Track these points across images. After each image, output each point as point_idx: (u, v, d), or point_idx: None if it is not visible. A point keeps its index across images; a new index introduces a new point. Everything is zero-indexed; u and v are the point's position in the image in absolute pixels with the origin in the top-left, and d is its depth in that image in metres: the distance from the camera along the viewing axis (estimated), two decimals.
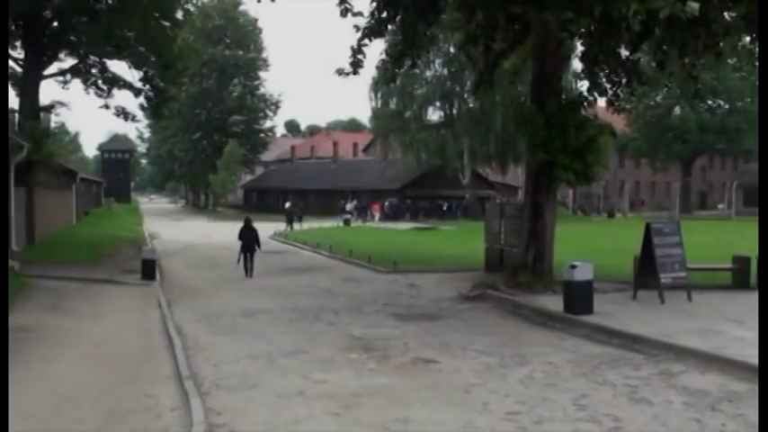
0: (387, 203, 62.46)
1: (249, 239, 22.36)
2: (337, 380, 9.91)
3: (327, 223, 49.68)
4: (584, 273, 14.45)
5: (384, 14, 16.25)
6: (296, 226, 47.16)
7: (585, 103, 18.42)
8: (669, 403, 8.82)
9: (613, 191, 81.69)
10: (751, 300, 16.20)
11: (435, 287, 19.48)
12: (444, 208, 63.37)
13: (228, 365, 10.85)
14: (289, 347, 12.03)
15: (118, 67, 54.71)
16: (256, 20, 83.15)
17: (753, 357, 10.53)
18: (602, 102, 20.03)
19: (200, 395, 9.00)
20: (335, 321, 14.58)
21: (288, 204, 55.90)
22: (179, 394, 9.18)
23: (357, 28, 16.11)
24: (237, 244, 22.78)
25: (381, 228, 48.32)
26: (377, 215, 60.03)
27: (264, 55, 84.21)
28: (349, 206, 60.35)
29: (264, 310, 15.98)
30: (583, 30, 17.97)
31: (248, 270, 22.06)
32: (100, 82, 31.46)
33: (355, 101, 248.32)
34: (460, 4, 17.06)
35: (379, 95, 61.88)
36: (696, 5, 11.68)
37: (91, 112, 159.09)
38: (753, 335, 12.29)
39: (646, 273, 16.22)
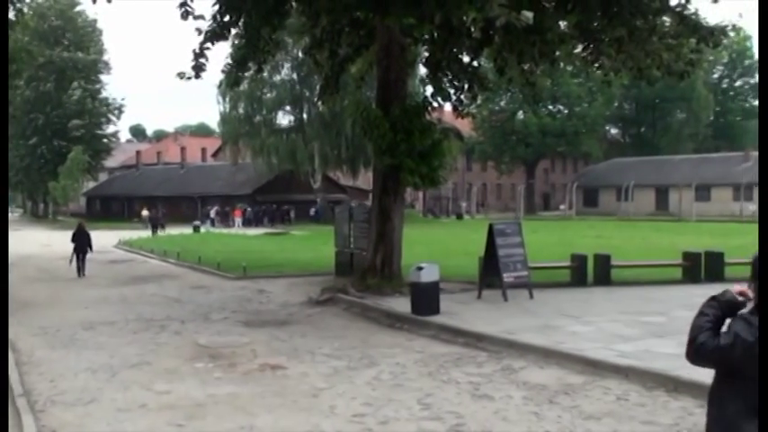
0: (248, 209, 62.14)
1: (82, 242, 24.12)
2: (182, 390, 9.65)
3: (176, 230, 48.68)
4: (430, 274, 14.73)
5: (227, 18, 15.98)
6: (159, 232, 48.13)
7: (431, 108, 18.80)
8: (510, 398, 9.10)
9: (462, 193, 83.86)
10: (587, 296, 17.07)
11: (285, 292, 19.37)
12: (311, 213, 63.31)
13: (66, 380, 10.36)
14: (132, 359, 11.62)
15: None
16: (95, 21, 79.94)
17: (587, 351, 11.07)
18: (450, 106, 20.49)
19: (34, 413, 8.56)
20: (182, 330, 14.22)
21: (145, 212, 57.54)
22: (10, 413, 8.68)
23: (199, 31, 15.76)
24: (71, 246, 24.29)
25: (232, 233, 47.74)
26: (238, 221, 59.52)
27: (106, 57, 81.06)
28: (212, 212, 60.04)
29: (107, 321, 15.38)
30: (426, 36, 18.35)
31: (80, 270, 23.96)
32: None
33: (204, 105, 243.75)
34: (305, 8, 17.03)
35: (227, 100, 61.05)
36: (530, 15, 12.10)
37: None
38: (588, 329, 12.94)
39: (490, 272, 16.70)
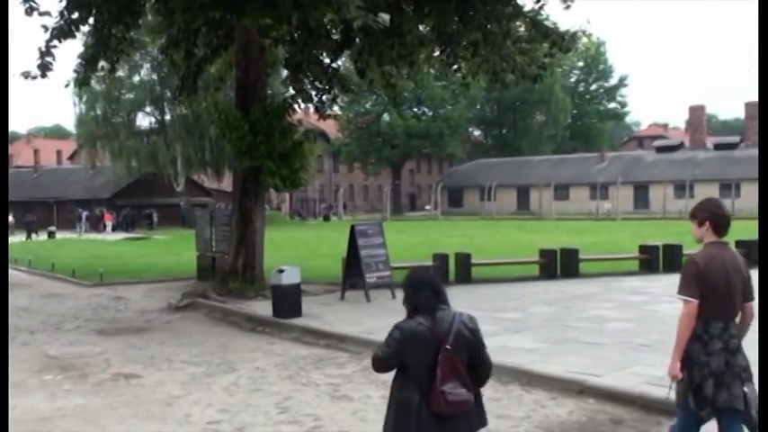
0: (116, 213, 60.39)
1: None
2: (27, 404, 9.17)
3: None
4: (291, 276, 14.63)
5: (75, 15, 15.27)
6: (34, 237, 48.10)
7: (292, 109, 18.67)
8: (368, 398, 9.11)
9: (329, 194, 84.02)
10: (448, 294, 17.32)
11: (144, 299, 18.81)
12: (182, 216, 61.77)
13: None
14: None
15: None
16: None
17: None
18: None
19: None
20: (30, 341, 13.54)
21: (11, 218, 55.79)
22: None
23: (45, 28, 15.03)
24: None
25: (90, 239, 46.06)
26: (109, 225, 57.55)
27: None
28: (83, 217, 58.26)
29: None
30: (287, 37, 18.21)
31: None
32: None
33: (60, 106, 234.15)
34: (160, 7, 16.54)
35: (83, 100, 58.71)
36: (387, 17, 12.19)
37: None
38: None
39: (353, 273, 16.74)
